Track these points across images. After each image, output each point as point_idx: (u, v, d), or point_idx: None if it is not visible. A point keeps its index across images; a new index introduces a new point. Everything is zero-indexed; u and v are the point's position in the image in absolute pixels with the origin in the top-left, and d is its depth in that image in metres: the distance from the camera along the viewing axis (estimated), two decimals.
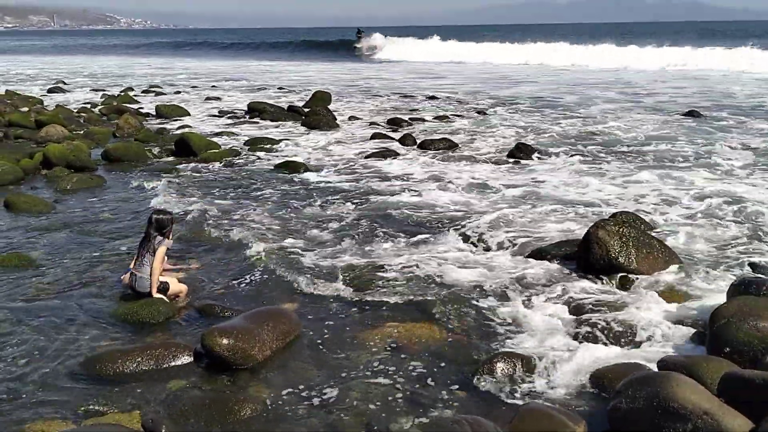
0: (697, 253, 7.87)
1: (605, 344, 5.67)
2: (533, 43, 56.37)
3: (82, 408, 4.66)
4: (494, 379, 5.07)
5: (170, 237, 6.58)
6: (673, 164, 12.95)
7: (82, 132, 17.26)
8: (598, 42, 54.22)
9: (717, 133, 16.53)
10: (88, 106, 23.31)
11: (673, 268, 7.15)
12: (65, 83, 32.73)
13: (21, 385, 4.97)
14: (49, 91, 29.78)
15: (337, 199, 10.56)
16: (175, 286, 6.61)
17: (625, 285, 6.90)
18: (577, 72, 39.71)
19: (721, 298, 6.10)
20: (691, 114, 19.73)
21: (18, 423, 4.47)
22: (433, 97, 26.05)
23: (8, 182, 11.69)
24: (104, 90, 29.95)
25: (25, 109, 21.08)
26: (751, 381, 4.02)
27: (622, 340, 5.74)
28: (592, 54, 47.18)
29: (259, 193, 11.03)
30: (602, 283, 6.97)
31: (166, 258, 6.54)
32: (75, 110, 21.71)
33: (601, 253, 6.98)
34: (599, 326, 5.96)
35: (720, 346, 5.06)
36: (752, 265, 7.38)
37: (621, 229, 7.10)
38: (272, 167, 12.98)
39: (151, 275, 6.35)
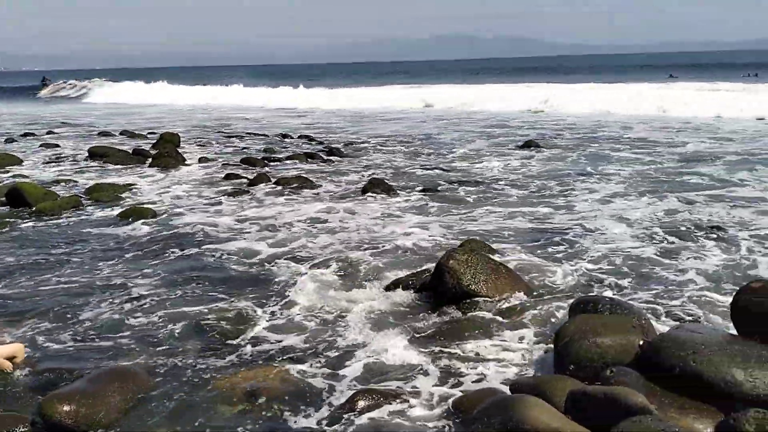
0: (542, 274, 8.30)
1: (462, 372, 5.81)
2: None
3: None
4: (358, 416, 5.04)
5: None
6: (519, 194, 13.69)
7: None
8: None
9: (558, 164, 17.71)
10: None
11: (522, 291, 7.49)
12: None
13: None
14: None
15: (185, 244, 10.18)
16: (6, 349, 6.06)
17: (477, 311, 7.13)
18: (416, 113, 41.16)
19: (566, 318, 6.45)
20: (528, 145, 21.05)
21: None
22: (285, 136, 26.05)
23: None
24: None
25: None
26: (593, 396, 4.26)
27: (479, 365, 5.91)
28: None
29: (97, 245, 10.41)
30: (456, 311, 7.16)
31: None
32: None
33: (452, 281, 7.19)
34: (456, 354, 6.12)
35: (565, 365, 5.32)
36: (589, 283, 7.90)
37: (470, 257, 7.36)
38: (116, 215, 12.34)
39: None
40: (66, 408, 4.83)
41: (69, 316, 7.36)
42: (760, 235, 9.71)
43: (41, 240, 10.65)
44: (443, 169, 16.90)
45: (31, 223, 11.87)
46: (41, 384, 5.74)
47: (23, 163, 19.70)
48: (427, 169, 17.12)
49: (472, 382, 5.62)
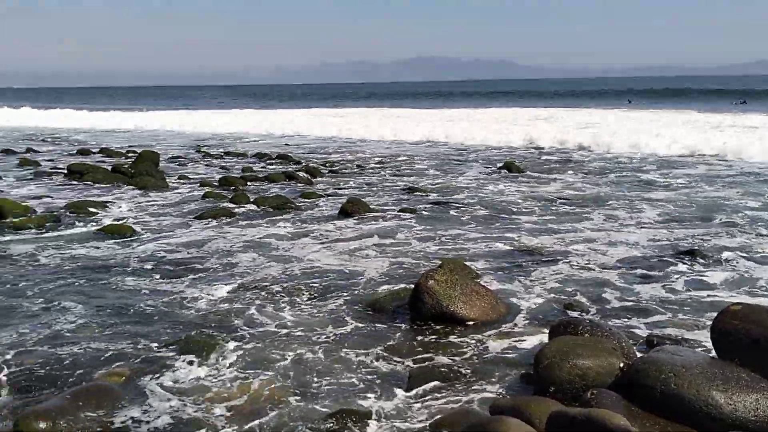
0: (520, 297, 8.37)
1: (440, 393, 5.82)
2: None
3: None
4: None
5: None
6: (499, 217, 13.80)
7: None
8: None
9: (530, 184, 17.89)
10: None
11: (500, 313, 7.56)
12: None
13: None
14: None
15: (168, 263, 10.14)
16: None
17: (456, 332, 7.16)
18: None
19: (545, 340, 6.50)
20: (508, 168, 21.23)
21: None
22: (264, 156, 26.03)
23: None
24: None
25: None
26: (573, 418, 4.30)
27: (458, 387, 5.93)
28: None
29: (78, 258, 10.33)
30: (434, 332, 7.19)
31: None
32: None
33: (431, 302, 7.24)
34: (434, 375, 6.14)
35: (545, 386, 5.36)
36: (568, 306, 7.96)
37: (449, 278, 7.41)
38: (96, 231, 12.25)
39: None
40: (42, 425, 4.80)
41: (43, 330, 7.28)
42: (733, 258, 9.88)
43: (20, 255, 10.52)
44: (422, 190, 16.99)
45: (10, 238, 11.72)
46: (18, 400, 5.66)
47: (1, 179, 19.50)
48: (407, 189, 17.19)
49: (451, 403, 5.64)
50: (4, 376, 6.06)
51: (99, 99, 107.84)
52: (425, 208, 14.64)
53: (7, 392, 5.77)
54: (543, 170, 21.23)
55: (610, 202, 15.13)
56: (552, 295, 8.48)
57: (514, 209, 14.45)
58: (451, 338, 7.05)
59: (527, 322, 7.53)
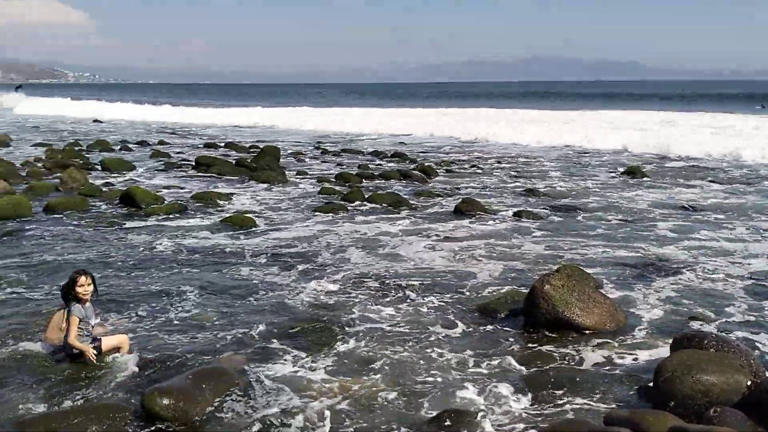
0: (641, 307, 8.02)
1: (553, 401, 5.67)
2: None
3: None
4: None
5: (83, 294, 6.21)
6: (612, 221, 13.30)
7: (24, 186, 16.83)
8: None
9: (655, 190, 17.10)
10: (32, 159, 22.77)
11: (619, 322, 7.26)
12: (9, 137, 31.97)
13: None
14: None
15: (282, 256, 10.45)
16: (111, 340, 6.39)
17: (571, 339, 6.95)
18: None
19: (665, 352, 6.20)
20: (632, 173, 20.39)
21: None
22: (379, 154, 26.33)
23: None
24: (50, 144, 29.36)
25: None
26: None
27: (570, 396, 5.75)
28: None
29: (199, 248, 10.84)
30: (548, 339, 7.02)
31: (78, 320, 6.13)
32: (18, 164, 21.17)
33: (546, 307, 7.05)
34: (546, 383, 5.98)
35: (665, 400, 5.11)
36: (692, 317, 7.55)
37: (566, 284, 7.20)
38: (219, 221, 12.83)
39: (73, 343, 6.13)
40: (165, 402, 5.07)
41: (169, 312, 7.71)
42: None
43: (147, 241, 11.20)
44: (540, 193, 16.63)
45: (140, 224, 12.50)
46: (142, 376, 6.02)
47: (136, 170, 20.82)
48: (525, 191, 16.88)
49: (563, 412, 5.47)
50: (131, 355, 6.45)
51: (234, 96, 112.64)
52: (543, 211, 14.31)
53: (133, 371, 6.14)
54: (671, 176, 20.25)
55: (753, 214, 14.13)
56: (675, 306, 8.06)
57: (642, 216, 13.84)
58: (566, 345, 6.84)
59: (647, 332, 7.20)
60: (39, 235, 11.54)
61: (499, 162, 24.06)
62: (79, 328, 6.13)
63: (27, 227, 12.11)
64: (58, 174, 18.53)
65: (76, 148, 26.95)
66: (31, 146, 29.18)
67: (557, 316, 7.03)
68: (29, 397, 5.56)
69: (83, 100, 74.05)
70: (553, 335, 7.07)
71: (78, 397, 5.61)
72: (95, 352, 6.16)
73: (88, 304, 6.27)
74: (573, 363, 6.43)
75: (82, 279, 6.19)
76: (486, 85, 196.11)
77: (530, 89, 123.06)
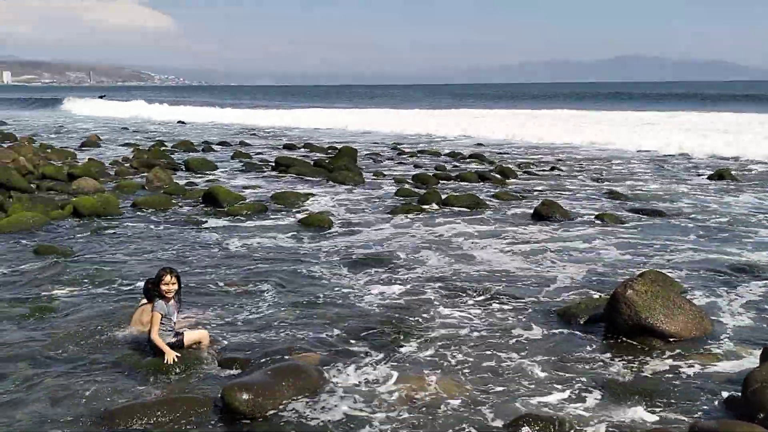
0: (729, 314, 7.69)
1: (634, 410, 5.48)
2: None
3: None
4: None
5: (170, 292, 6.40)
6: (699, 225, 12.80)
7: (113, 184, 17.62)
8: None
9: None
10: (120, 159, 23.78)
11: (705, 330, 6.97)
12: (99, 137, 33.49)
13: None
14: (83, 145, 30.49)
15: (357, 257, 10.51)
16: (192, 335, 6.57)
17: (654, 347, 6.72)
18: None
19: (754, 362, 5.92)
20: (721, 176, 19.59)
21: None
22: (456, 155, 26.19)
23: (39, 230, 11.91)
24: (136, 144, 30.60)
25: (59, 162, 21.59)
26: None
27: (654, 404, 5.56)
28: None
29: (278, 248, 11.05)
30: (630, 346, 6.80)
31: (167, 315, 6.40)
32: (107, 164, 22.15)
33: (629, 313, 6.84)
34: (629, 391, 5.80)
35: (753, 412, 4.88)
36: None
37: (650, 289, 6.96)
38: (297, 222, 13.04)
39: (168, 335, 6.33)
40: (245, 396, 5.18)
41: (246, 310, 7.88)
42: None
43: (227, 239, 11.50)
44: (624, 196, 16.17)
45: (222, 223, 12.85)
46: (221, 370, 6.18)
47: (218, 170, 21.43)
48: (608, 194, 16.46)
49: (644, 422, 5.29)
50: (211, 349, 6.63)
51: (312, 97, 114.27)
52: (627, 214, 13.90)
53: (213, 365, 6.30)
54: (760, 180, 19.35)
55: None
56: (766, 315, 7.69)
57: (734, 220, 13.26)
58: (649, 353, 6.62)
59: (735, 341, 6.88)
60: (125, 232, 12.03)
61: (580, 164, 23.55)
62: (161, 323, 6.33)
63: (114, 224, 12.64)
64: (144, 173, 19.28)
65: (161, 149, 27.97)
66: (119, 146, 30.47)
67: (640, 322, 6.80)
68: (114, 389, 5.78)
69: (167, 101, 76.81)
70: (635, 342, 6.85)
71: (160, 389, 5.80)
72: (176, 355, 6.28)
73: (171, 301, 6.46)
74: (655, 371, 6.21)
75: (168, 277, 6.39)
76: (568, 85, 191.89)
77: (612, 90, 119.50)
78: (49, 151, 25.16)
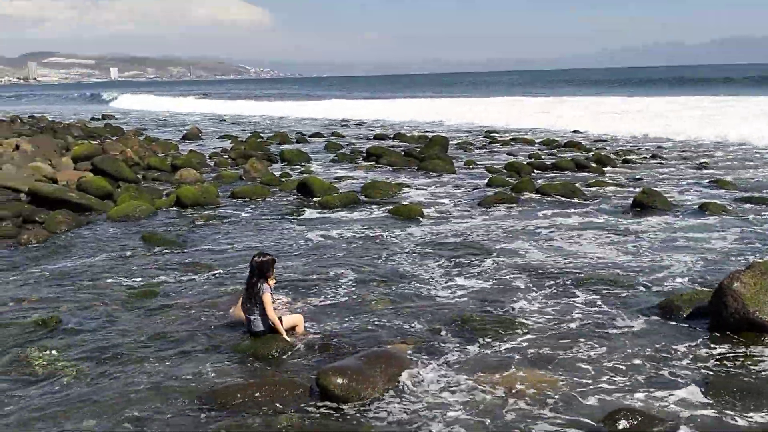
0: None
1: (739, 409, 5.21)
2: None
3: None
4: None
5: (272, 278, 6.68)
6: None
7: (213, 175, 18.29)
8: None
9: None
10: (219, 151, 24.62)
11: None
12: (200, 130, 34.78)
13: (148, 414, 5.19)
14: (184, 137, 31.77)
15: (447, 246, 10.47)
16: (289, 320, 6.75)
17: (762, 343, 6.37)
18: None
19: None
20: None
21: None
22: (551, 143, 25.60)
23: (145, 219, 12.54)
24: (235, 136, 31.58)
25: (163, 154, 22.60)
26: None
27: (759, 405, 5.27)
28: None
29: (369, 238, 11.13)
30: (736, 341, 6.47)
31: (272, 299, 6.64)
32: (207, 155, 22.98)
33: (736, 307, 6.50)
34: (732, 389, 5.53)
35: None
36: None
37: (759, 281, 6.59)
38: (387, 212, 13.10)
39: (266, 319, 6.53)
40: (339, 380, 5.29)
41: (337, 298, 8.02)
42: None
43: (319, 228, 11.71)
44: (730, 185, 15.37)
45: (315, 213, 13.09)
46: (315, 355, 6.31)
47: (312, 160, 21.84)
48: (709, 184, 15.70)
49: (751, 422, 5.02)
50: (305, 334, 6.78)
51: (403, 87, 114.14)
52: (734, 204, 13.20)
53: (307, 350, 6.44)
54: None
55: None
56: None
57: None
58: (757, 349, 6.27)
59: None
60: (224, 221, 12.47)
61: (683, 152, 22.53)
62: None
63: (214, 213, 13.11)
64: (242, 164, 19.88)
65: (258, 140, 28.75)
66: (218, 138, 31.55)
67: (748, 316, 6.45)
68: (215, 370, 6.01)
69: (262, 96, 78.84)
70: (742, 338, 6.51)
71: (257, 371, 5.98)
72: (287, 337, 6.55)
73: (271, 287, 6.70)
74: (763, 369, 5.88)
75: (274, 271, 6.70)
76: (677, 69, 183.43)
77: (721, 73, 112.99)
78: (154, 143, 26.35)
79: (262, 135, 31.83)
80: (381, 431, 4.89)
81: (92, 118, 47.55)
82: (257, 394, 5.39)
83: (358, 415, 5.16)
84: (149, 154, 21.28)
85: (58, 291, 8.32)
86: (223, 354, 6.36)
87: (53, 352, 6.35)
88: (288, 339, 6.52)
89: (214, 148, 26.25)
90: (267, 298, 6.50)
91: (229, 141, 29.34)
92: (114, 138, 28.09)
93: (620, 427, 4.87)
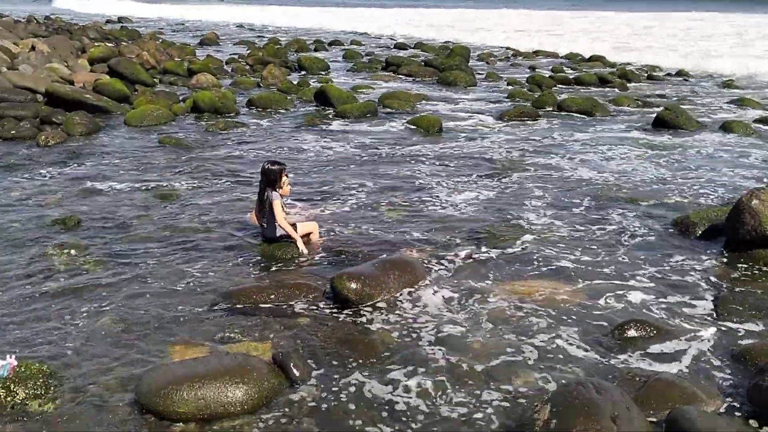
0: None
1: (748, 325, 5.24)
2: None
3: (219, 335, 4.92)
4: (625, 345, 4.86)
5: (283, 187, 6.61)
6: None
7: (230, 81, 18.09)
8: None
9: None
10: (236, 57, 24.27)
11: None
12: (217, 35, 34.20)
13: (166, 311, 5.31)
14: (201, 42, 31.27)
15: (463, 158, 10.41)
16: (304, 226, 6.79)
17: None
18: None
19: None
20: None
21: (160, 344, 4.79)
22: (575, 55, 25.00)
23: (162, 123, 12.51)
24: (252, 42, 31.06)
25: (179, 58, 22.32)
26: None
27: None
28: None
29: (387, 149, 11.07)
30: (751, 258, 6.44)
31: (283, 206, 6.63)
32: (224, 61, 22.68)
33: (753, 224, 6.44)
34: (743, 304, 5.55)
35: None
36: None
37: None
38: (405, 122, 12.97)
39: (278, 226, 6.55)
40: (353, 285, 5.35)
41: (350, 206, 8.04)
42: None
43: (336, 138, 11.65)
44: (757, 105, 15.01)
45: (333, 124, 12.98)
46: (330, 260, 6.39)
47: (330, 69, 21.50)
48: (735, 101, 15.33)
49: (763, 336, 5.06)
50: (320, 240, 6.85)
51: None
52: (758, 126, 12.93)
53: (322, 255, 6.52)
54: None
55: None
56: None
57: None
58: None
59: None
60: (240, 128, 12.42)
61: (708, 70, 21.95)
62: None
63: (231, 120, 13.03)
64: (260, 71, 19.63)
65: (276, 47, 28.27)
66: (234, 44, 31.04)
67: (764, 234, 6.40)
68: (235, 271, 6.11)
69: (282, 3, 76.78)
70: (757, 255, 6.46)
71: (273, 274, 6.07)
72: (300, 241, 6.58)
73: (286, 195, 6.71)
74: None
75: (285, 178, 6.61)
76: None
77: None
78: (170, 48, 26.00)
79: (280, 42, 31.27)
80: (393, 335, 4.98)
81: (107, 21, 46.82)
82: (272, 296, 5.48)
83: (372, 318, 5.25)
84: (166, 58, 21.04)
85: (77, 192, 8.40)
86: (239, 257, 6.45)
87: (72, 251, 6.45)
88: (302, 245, 6.57)
89: (232, 54, 25.86)
90: (277, 205, 6.50)
91: (246, 47, 28.88)
92: (130, 41, 27.74)
93: (629, 336, 4.93)
